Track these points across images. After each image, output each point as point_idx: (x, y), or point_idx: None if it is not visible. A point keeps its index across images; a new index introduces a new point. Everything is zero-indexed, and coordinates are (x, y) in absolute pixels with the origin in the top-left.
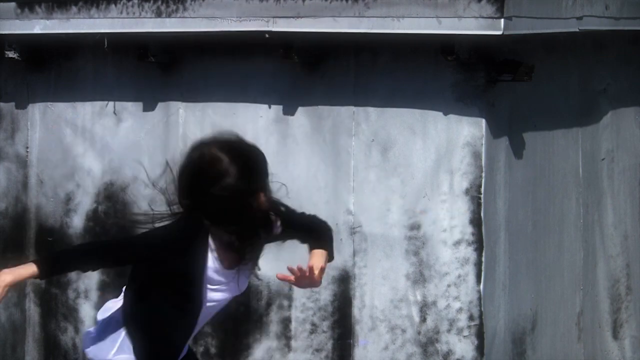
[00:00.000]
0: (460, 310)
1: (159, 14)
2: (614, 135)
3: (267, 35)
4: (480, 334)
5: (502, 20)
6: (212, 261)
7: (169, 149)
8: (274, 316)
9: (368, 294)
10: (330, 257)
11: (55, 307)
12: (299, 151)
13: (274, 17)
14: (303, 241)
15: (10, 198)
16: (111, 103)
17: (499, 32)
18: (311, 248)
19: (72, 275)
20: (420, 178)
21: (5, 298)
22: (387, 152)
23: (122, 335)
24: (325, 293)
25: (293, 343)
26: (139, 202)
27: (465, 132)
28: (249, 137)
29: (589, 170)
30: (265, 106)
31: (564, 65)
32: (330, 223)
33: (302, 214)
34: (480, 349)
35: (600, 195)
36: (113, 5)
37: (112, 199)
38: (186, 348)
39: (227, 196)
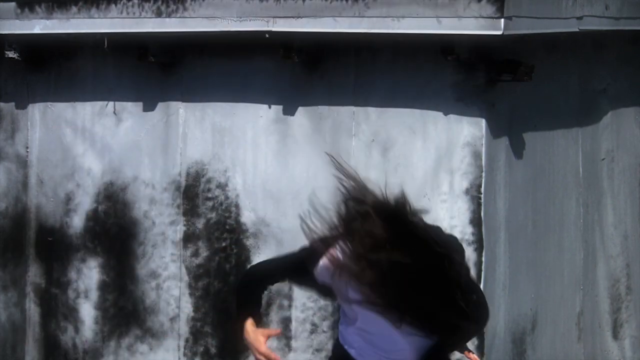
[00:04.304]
0: None
1: (159, 14)
2: (614, 135)
3: (267, 35)
4: (480, 334)
5: (502, 20)
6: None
7: (169, 149)
8: (274, 316)
9: None
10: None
11: (55, 307)
12: (299, 151)
13: (274, 17)
14: None
15: (10, 198)
16: (111, 103)
17: (499, 32)
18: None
19: (72, 275)
20: (420, 178)
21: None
22: (387, 152)
23: None
24: None
25: (293, 343)
26: (139, 202)
27: (465, 132)
28: (249, 137)
29: (589, 170)
30: (265, 106)
31: (564, 65)
32: None
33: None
34: (480, 349)
35: (600, 195)
36: (113, 5)
37: (112, 199)
38: None
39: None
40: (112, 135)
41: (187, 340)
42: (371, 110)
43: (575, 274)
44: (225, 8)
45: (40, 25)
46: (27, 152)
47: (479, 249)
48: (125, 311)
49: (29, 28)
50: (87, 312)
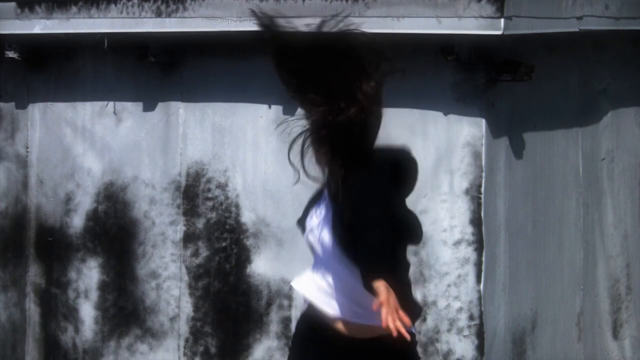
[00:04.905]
0: (460, 310)
1: (159, 14)
2: (614, 135)
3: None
4: (480, 334)
5: (502, 20)
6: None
7: (169, 149)
8: (274, 316)
9: None
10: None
11: (55, 307)
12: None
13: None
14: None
15: (10, 198)
16: (111, 103)
17: (499, 32)
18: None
19: (72, 275)
20: (420, 178)
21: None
22: None
23: None
24: None
25: None
26: (139, 202)
27: (465, 132)
28: (249, 137)
29: (589, 170)
30: (265, 106)
31: (564, 65)
32: None
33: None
34: (480, 349)
35: (600, 195)
36: (113, 5)
37: (112, 199)
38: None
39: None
40: (112, 135)
41: (187, 340)
42: None
43: (575, 274)
44: (225, 8)
45: (40, 25)
46: (27, 152)
47: (479, 249)
48: (125, 311)
49: (29, 28)
50: (87, 312)
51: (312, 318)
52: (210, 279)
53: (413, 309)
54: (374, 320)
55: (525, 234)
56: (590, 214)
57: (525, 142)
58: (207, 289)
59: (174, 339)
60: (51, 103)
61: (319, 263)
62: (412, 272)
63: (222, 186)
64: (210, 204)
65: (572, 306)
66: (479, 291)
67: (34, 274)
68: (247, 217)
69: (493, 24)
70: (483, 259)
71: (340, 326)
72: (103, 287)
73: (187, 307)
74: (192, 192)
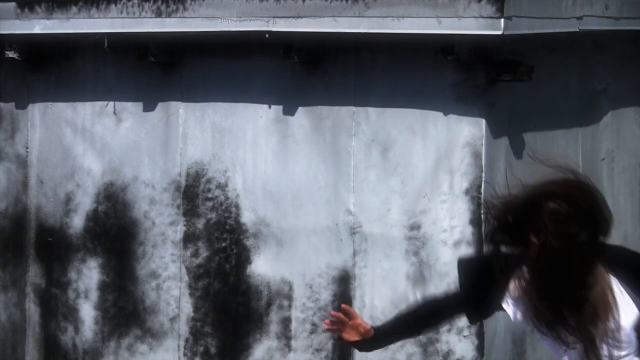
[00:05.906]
0: None
1: (159, 14)
2: (614, 135)
3: (267, 35)
4: (480, 334)
5: (502, 20)
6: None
7: (169, 149)
8: (274, 316)
9: (368, 294)
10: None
11: (55, 307)
12: (299, 151)
13: (274, 17)
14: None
15: (10, 198)
16: (111, 103)
17: (499, 32)
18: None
19: (72, 275)
20: (420, 178)
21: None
22: (387, 152)
23: None
24: (325, 293)
25: (293, 343)
26: (139, 202)
27: (465, 132)
28: (249, 137)
29: (589, 170)
30: (265, 106)
31: (564, 65)
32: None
33: None
34: (480, 349)
35: None
36: (113, 5)
37: (112, 199)
38: None
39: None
40: (112, 135)
41: (187, 340)
42: (371, 110)
43: None
44: (225, 8)
45: (40, 25)
46: (27, 152)
47: (479, 249)
48: (125, 311)
49: (29, 28)
50: (87, 312)
51: None
52: (210, 279)
53: None
54: None
55: None
56: None
57: (525, 142)
58: (207, 289)
59: (174, 339)
60: (51, 103)
61: None
62: (413, 272)
63: (222, 186)
64: (210, 204)
65: None
66: None
67: (34, 274)
68: (247, 217)
69: (493, 24)
70: None
71: None
72: (103, 287)
73: (187, 307)
74: (192, 192)
